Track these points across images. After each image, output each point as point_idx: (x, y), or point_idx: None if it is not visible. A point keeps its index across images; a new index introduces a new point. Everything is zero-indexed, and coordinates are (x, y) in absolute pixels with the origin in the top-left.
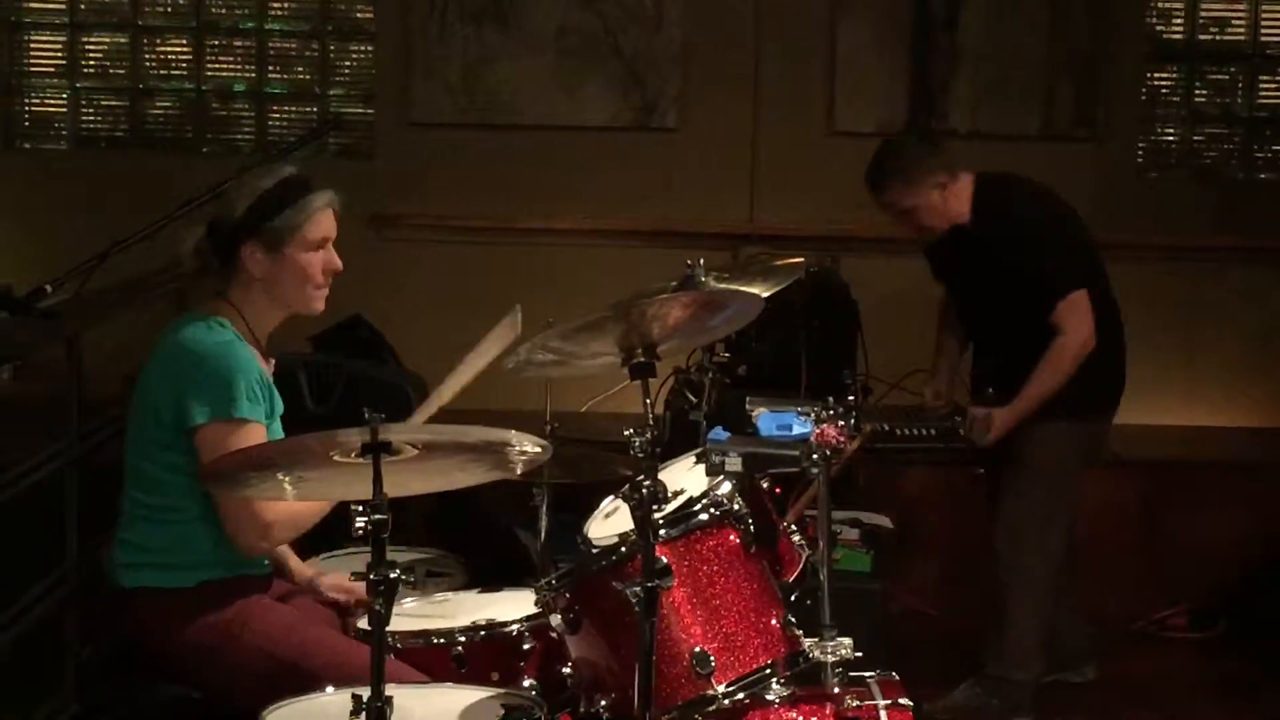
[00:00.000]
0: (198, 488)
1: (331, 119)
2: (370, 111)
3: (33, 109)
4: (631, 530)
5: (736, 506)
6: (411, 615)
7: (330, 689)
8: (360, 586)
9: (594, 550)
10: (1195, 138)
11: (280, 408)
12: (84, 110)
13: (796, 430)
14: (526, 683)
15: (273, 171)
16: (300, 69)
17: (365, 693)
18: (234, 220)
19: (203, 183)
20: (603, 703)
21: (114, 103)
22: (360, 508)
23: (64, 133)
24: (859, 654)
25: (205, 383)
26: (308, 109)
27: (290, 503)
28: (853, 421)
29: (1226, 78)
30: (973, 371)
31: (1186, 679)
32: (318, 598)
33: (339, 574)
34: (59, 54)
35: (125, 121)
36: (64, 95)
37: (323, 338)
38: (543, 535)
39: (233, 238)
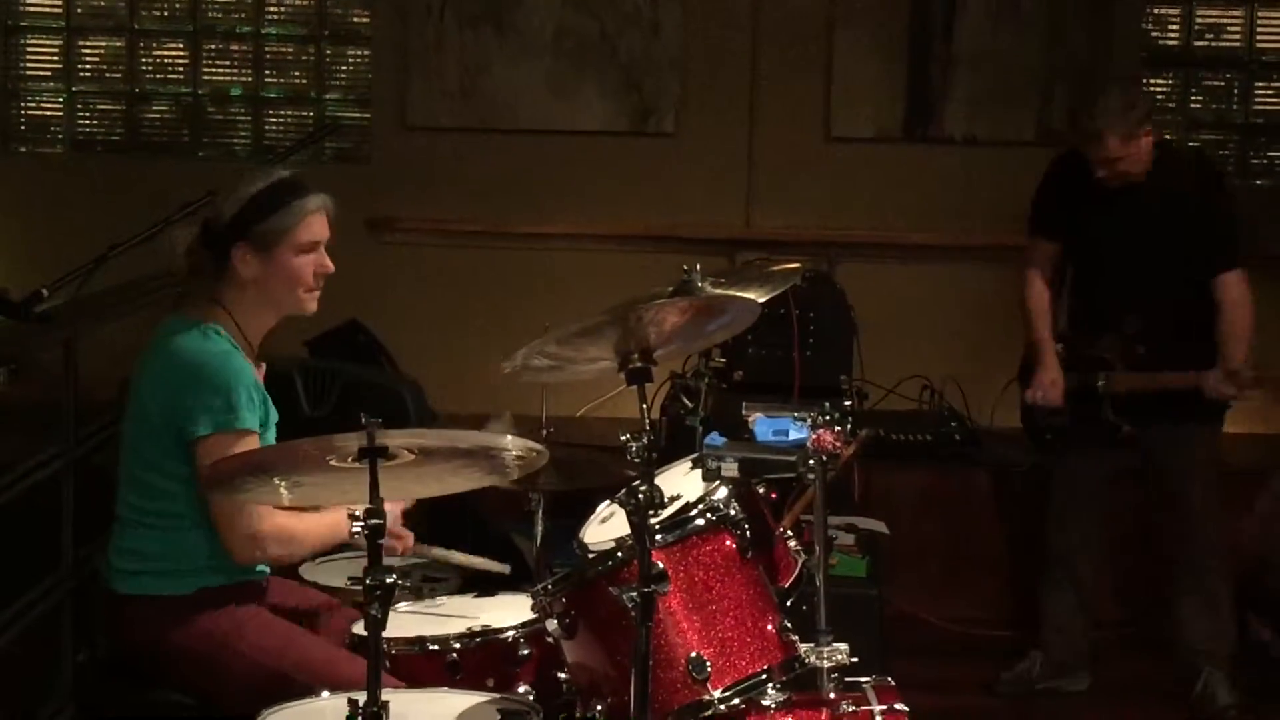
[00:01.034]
0: (197, 495)
1: (328, 123)
2: (367, 116)
3: (29, 113)
4: (628, 535)
5: (733, 512)
6: (407, 621)
7: (326, 693)
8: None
9: (590, 555)
10: (1191, 144)
11: (275, 416)
12: (80, 114)
13: (793, 435)
14: (522, 688)
15: (266, 174)
16: (297, 73)
17: (361, 697)
18: (224, 223)
19: (199, 187)
20: (599, 708)
21: (110, 106)
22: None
23: (60, 136)
24: (855, 659)
25: (204, 394)
26: (304, 113)
27: (289, 518)
28: (849, 427)
29: (1222, 84)
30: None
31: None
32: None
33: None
34: (55, 58)
35: (122, 125)
36: (60, 99)
37: (319, 342)
38: (538, 540)
39: (224, 240)
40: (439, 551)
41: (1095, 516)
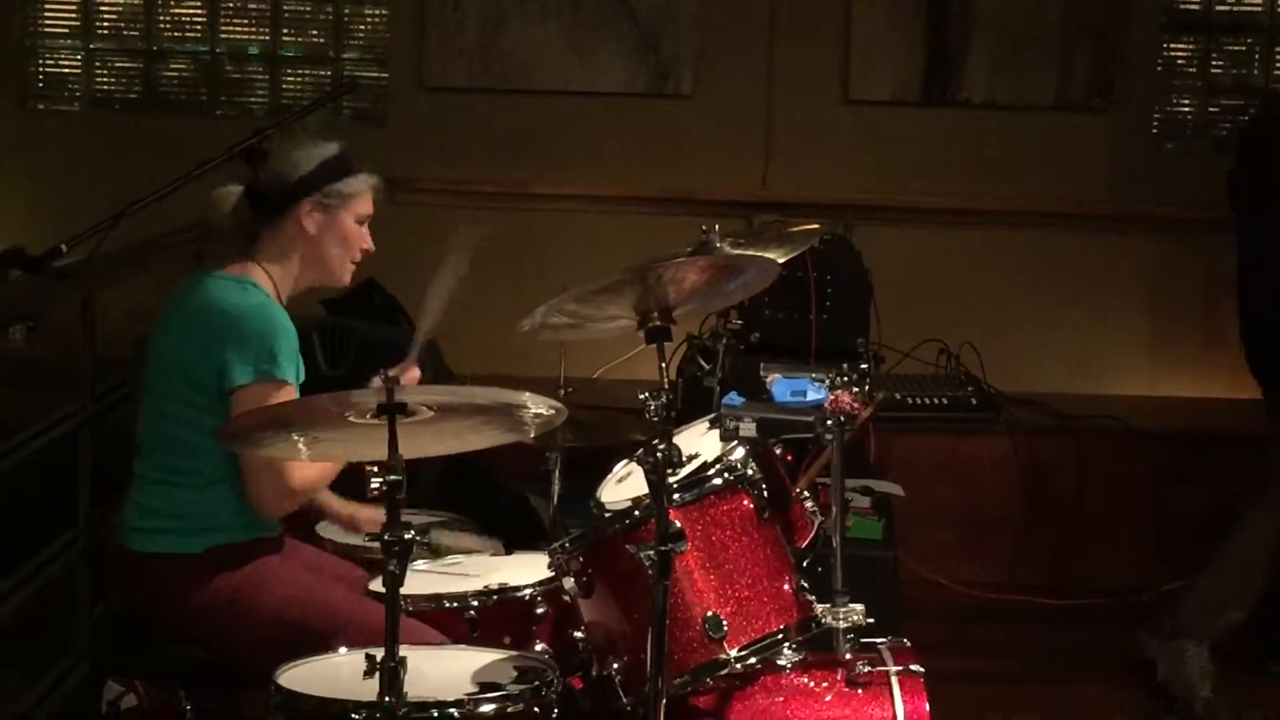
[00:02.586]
0: (222, 450)
1: (345, 82)
2: (384, 75)
3: (47, 70)
4: (645, 495)
5: (750, 471)
6: (424, 579)
7: (343, 649)
8: None
9: (607, 514)
10: (1211, 109)
11: (303, 375)
12: (98, 72)
13: (811, 396)
14: (539, 647)
15: (327, 142)
16: (314, 32)
17: (379, 653)
18: (295, 177)
19: (217, 145)
20: (615, 666)
21: (128, 64)
22: (376, 469)
23: (78, 94)
24: (870, 620)
25: (247, 343)
26: (322, 72)
27: (315, 468)
28: (866, 388)
29: (1243, 49)
30: None
31: None
32: (359, 531)
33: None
34: (73, 15)
35: (139, 83)
36: (78, 57)
37: (336, 301)
38: (555, 500)
39: (290, 195)
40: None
41: None
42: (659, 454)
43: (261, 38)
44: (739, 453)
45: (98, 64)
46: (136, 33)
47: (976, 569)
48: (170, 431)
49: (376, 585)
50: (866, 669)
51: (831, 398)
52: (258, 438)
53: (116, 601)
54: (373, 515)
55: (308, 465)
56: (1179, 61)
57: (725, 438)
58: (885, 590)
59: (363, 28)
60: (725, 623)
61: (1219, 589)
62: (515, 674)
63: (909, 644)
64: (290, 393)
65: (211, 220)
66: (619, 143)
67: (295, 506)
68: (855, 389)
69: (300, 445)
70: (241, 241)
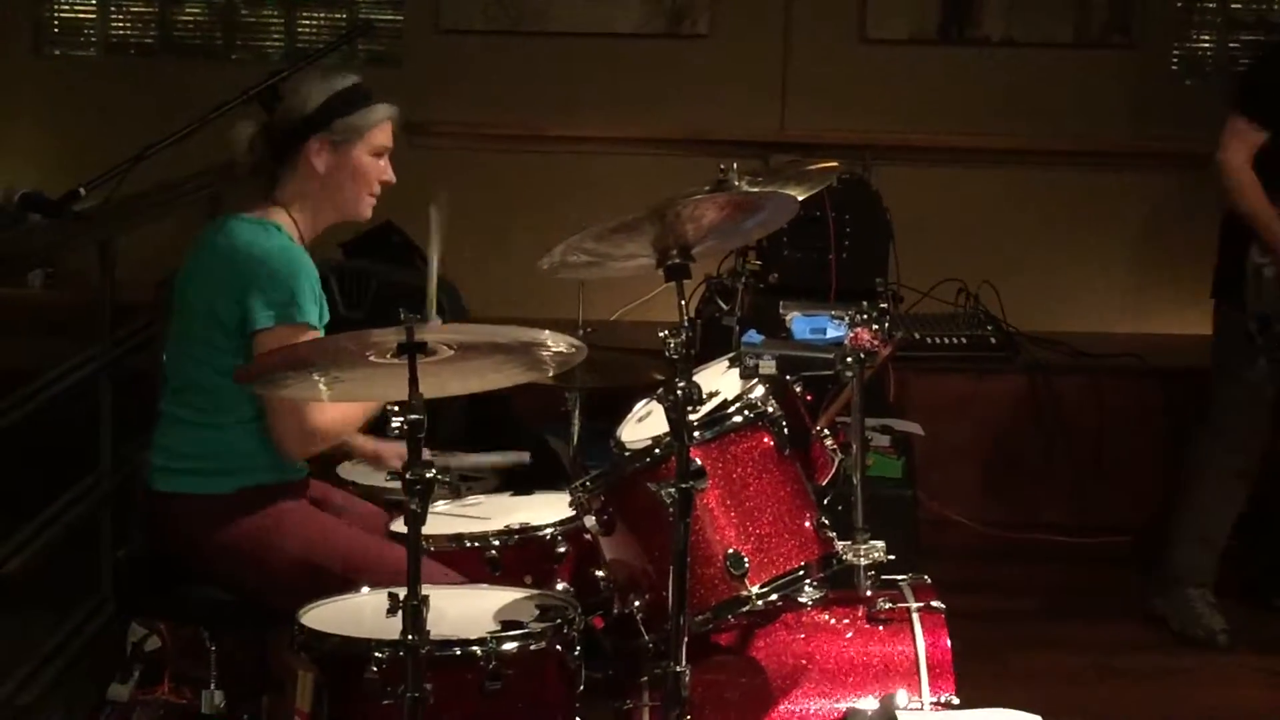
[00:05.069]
0: (245, 391)
1: (361, 25)
2: (400, 18)
3: (62, 15)
4: (665, 433)
5: (770, 409)
6: (445, 519)
7: (366, 589)
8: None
9: (627, 453)
10: (1230, 45)
11: (327, 316)
12: (114, 16)
13: (830, 334)
14: (560, 586)
15: (340, 76)
16: None
17: (402, 592)
18: (302, 115)
19: (232, 89)
20: (636, 604)
21: (143, 9)
22: (396, 408)
23: (94, 39)
24: (891, 557)
25: (269, 286)
26: (337, 15)
27: (338, 410)
28: (886, 326)
29: None
30: None
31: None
32: (383, 468)
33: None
34: None
35: (154, 28)
36: (93, 1)
37: (354, 244)
38: (575, 440)
39: (298, 133)
40: (456, 461)
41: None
42: (679, 391)
43: None
44: (759, 390)
45: (113, 9)
46: None
47: (995, 507)
48: (195, 373)
49: (398, 526)
50: (888, 606)
51: (851, 335)
52: (278, 378)
53: (141, 543)
54: (397, 450)
55: (330, 407)
56: None
57: (745, 375)
58: (905, 528)
59: None
60: (746, 560)
61: (1192, 526)
62: (537, 612)
63: (930, 581)
64: (313, 336)
65: (231, 162)
66: (636, 84)
67: (318, 449)
68: (875, 327)
69: (321, 385)
70: (262, 183)
